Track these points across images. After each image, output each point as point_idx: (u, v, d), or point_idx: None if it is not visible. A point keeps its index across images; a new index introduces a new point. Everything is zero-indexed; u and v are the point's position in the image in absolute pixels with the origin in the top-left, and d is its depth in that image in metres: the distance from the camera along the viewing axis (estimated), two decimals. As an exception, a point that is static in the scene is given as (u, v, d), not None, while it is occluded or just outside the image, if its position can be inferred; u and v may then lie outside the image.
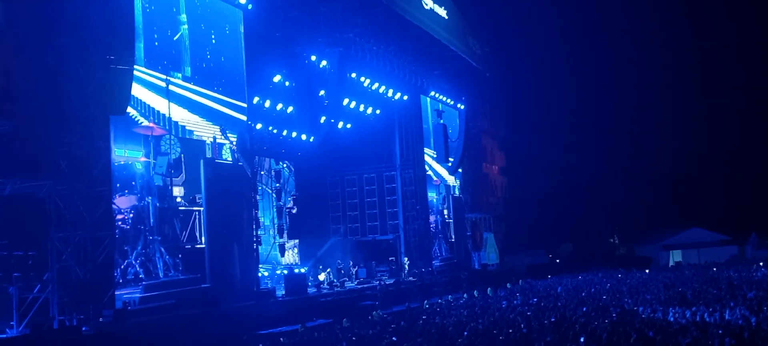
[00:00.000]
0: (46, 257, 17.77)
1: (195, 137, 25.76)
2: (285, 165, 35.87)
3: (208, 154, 25.61)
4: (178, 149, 24.88)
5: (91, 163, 18.66)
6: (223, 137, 26.17)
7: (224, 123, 26.50)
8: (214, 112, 26.68)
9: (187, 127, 25.64)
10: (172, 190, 24.06)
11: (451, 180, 44.91)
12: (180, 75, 25.38)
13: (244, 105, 27.29)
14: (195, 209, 24.64)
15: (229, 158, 26.28)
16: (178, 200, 24.38)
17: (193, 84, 25.99)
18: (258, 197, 28.58)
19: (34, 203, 17.36)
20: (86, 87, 18.59)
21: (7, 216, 16.84)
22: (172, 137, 24.37)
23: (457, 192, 44.99)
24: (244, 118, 27.19)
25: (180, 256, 23.41)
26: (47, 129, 17.56)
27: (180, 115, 25.17)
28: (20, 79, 17.10)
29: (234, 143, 26.16)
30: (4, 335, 17.16)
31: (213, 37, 26.91)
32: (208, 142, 26.14)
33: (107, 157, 19.29)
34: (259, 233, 26.63)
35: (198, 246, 24.35)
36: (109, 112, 19.33)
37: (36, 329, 17.15)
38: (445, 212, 43.75)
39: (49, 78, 17.90)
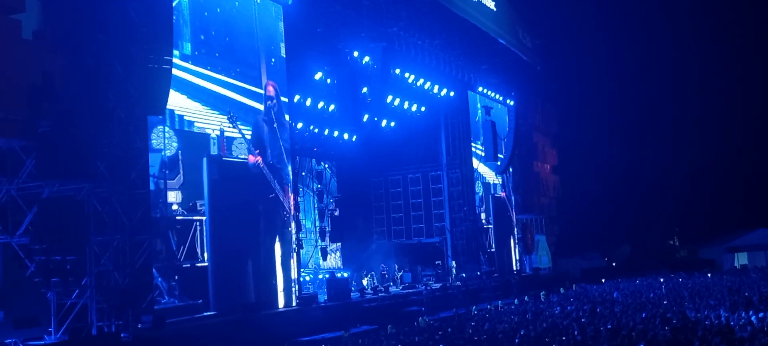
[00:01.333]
0: (84, 262, 18.09)
1: (196, 130, 22.82)
2: (327, 166, 36.10)
3: (214, 151, 23.04)
4: (175, 145, 22.16)
5: (130, 164, 18.99)
6: (233, 128, 23.23)
7: (235, 112, 23.57)
8: (222, 99, 23.44)
9: (185, 117, 22.55)
10: (166, 195, 21.65)
11: (490, 177, 43.16)
12: (177, 52, 21.94)
13: (260, 91, 24.89)
14: (196, 218, 22.12)
15: (242, 155, 23.74)
16: (175, 207, 21.89)
17: (194, 64, 22.89)
18: (300, 199, 28.91)
19: (72, 206, 17.66)
20: (125, 86, 18.94)
21: (45, 219, 17.19)
22: (167, 129, 21.87)
23: (499, 191, 43.77)
24: (260, 106, 24.77)
25: (176, 277, 21.35)
26: (86, 129, 17.86)
27: (177, 101, 21.88)
28: (59, 79, 17.47)
29: (248, 136, 23.83)
30: (43, 342, 17.57)
31: (218, 8, 23.89)
32: (213, 135, 23.21)
33: (146, 159, 19.58)
34: (300, 235, 26.80)
35: (199, 265, 21.98)
36: (147, 112, 19.66)
37: (74, 335, 17.50)
38: (483, 215, 41.49)
39: (88, 77, 18.23)
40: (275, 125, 25.26)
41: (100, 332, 18.02)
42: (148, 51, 19.20)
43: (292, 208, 25.47)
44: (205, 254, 22.05)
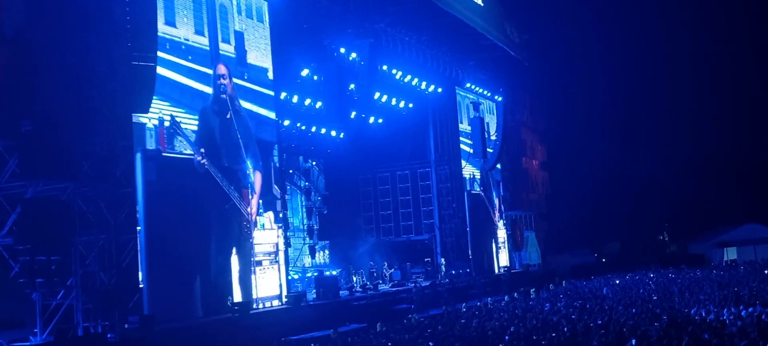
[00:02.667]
0: (69, 262, 18.07)
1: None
2: (314, 163, 36.07)
3: (151, 145, 20.46)
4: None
5: (115, 163, 18.95)
6: (170, 122, 20.37)
7: (181, 98, 21.10)
8: (161, 81, 20.29)
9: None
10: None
11: (467, 171, 41.00)
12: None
13: (210, 72, 22.71)
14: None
15: (189, 151, 21.31)
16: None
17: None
18: (287, 197, 28.85)
19: (56, 206, 17.64)
20: (109, 84, 18.89)
21: (29, 220, 17.13)
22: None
23: (476, 188, 41.90)
24: (209, 90, 22.62)
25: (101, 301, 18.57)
26: (70, 129, 17.85)
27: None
28: (42, 78, 17.40)
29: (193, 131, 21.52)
30: (28, 343, 17.51)
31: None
32: (149, 126, 20.47)
33: (131, 157, 19.55)
34: (288, 234, 26.76)
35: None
36: (131, 110, 19.61)
37: (60, 336, 17.48)
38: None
39: (71, 76, 18.21)
40: (229, 115, 23.13)
41: (87, 333, 17.99)
42: (132, 48, 19.12)
43: (253, 214, 23.72)
44: (140, 274, 19.41)
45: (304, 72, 30.56)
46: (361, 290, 30.43)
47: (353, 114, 33.23)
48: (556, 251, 52.73)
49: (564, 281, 38.44)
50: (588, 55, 62.36)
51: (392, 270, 34.77)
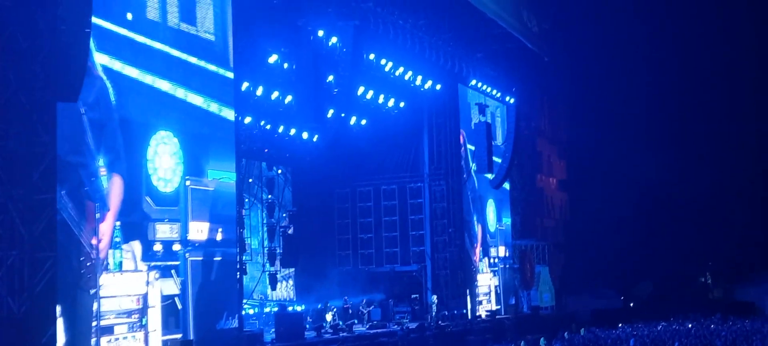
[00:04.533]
0: (-31, 284, 17.89)
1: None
2: (280, 171, 36.05)
3: None
4: None
5: (33, 163, 18.80)
6: None
7: None
8: None
9: None
10: None
11: None
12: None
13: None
14: None
15: None
16: None
17: None
18: (244, 212, 28.74)
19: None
20: (30, 65, 18.76)
21: None
22: None
23: None
24: None
25: None
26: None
27: None
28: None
29: None
30: None
31: None
32: None
33: (53, 156, 19.38)
34: (244, 258, 26.67)
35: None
36: (57, 98, 19.46)
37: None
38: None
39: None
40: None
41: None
42: (61, 18, 18.99)
43: (103, 245, 20.56)
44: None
45: (273, 58, 30.53)
46: (331, 331, 30.41)
47: (331, 112, 33.22)
48: (575, 291, 52.89)
49: (583, 329, 38.45)
50: (623, 50, 62.12)
51: (371, 308, 34.76)
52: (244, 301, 27.33)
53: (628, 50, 61.92)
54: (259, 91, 30.37)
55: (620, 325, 40.98)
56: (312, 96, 31.84)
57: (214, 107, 25.39)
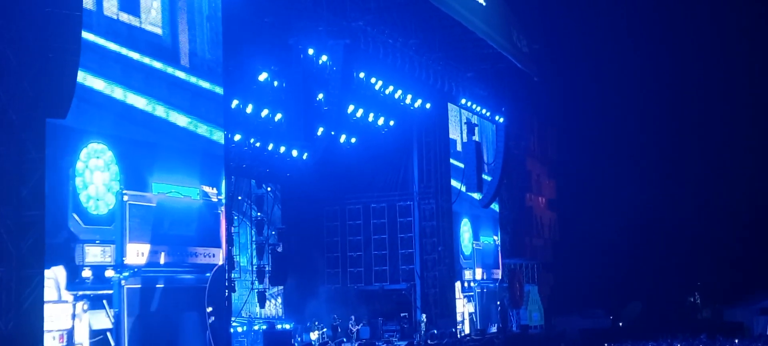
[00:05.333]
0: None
1: None
2: (269, 189, 36.02)
3: None
4: None
5: (21, 179, 18.77)
6: None
7: None
8: None
9: None
10: None
11: None
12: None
13: None
14: None
15: None
16: None
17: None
18: (233, 230, 28.71)
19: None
20: (19, 82, 18.76)
21: None
22: None
23: None
24: None
25: None
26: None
27: None
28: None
29: None
30: None
31: None
32: None
33: (41, 172, 19.36)
34: (232, 276, 26.63)
35: None
36: (47, 115, 19.47)
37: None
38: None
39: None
40: None
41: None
42: (50, 37, 19.01)
43: None
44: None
45: (263, 76, 30.61)
46: (320, 349, 30.38)
47: (321, 130, 33.25)
48: (564, 310, 52.87)
49: (571, 349, 38.57)
50: (613, 71, 62.04)
51: (360, 326, 34.68)
52: (233, 319, 27.25)
53: (619, 72, 61.93)
54: (249, 109, 30.42)
55: (608, 345, 41.04)
56: (302, 114, 31.78)
57: (160, 111, 23.42)
